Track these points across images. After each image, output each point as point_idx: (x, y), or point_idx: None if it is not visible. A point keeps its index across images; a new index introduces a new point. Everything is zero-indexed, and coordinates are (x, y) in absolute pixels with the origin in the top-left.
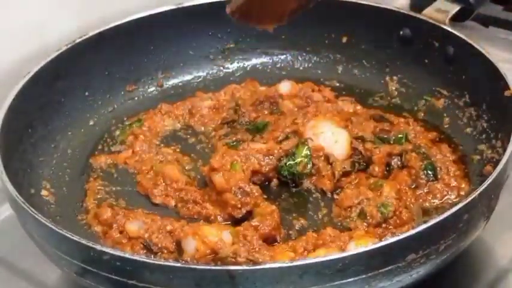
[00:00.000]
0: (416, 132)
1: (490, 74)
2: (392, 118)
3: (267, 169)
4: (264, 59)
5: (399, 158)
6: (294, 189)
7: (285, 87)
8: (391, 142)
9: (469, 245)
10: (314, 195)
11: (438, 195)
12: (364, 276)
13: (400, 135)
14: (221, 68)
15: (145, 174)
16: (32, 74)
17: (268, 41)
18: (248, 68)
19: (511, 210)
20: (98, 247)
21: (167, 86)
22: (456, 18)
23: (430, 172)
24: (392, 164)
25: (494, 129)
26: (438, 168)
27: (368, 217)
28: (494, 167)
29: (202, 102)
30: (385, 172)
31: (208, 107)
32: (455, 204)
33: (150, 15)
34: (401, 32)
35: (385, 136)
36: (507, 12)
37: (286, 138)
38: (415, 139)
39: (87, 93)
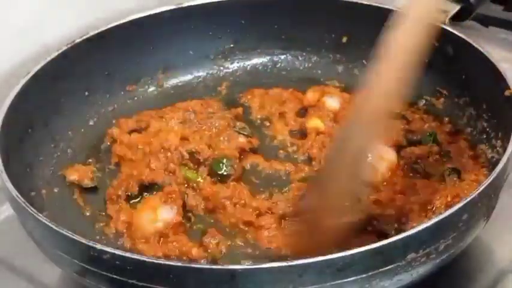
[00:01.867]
0: (433, 127)
1: (490, 73)
2: (408, 114)
3: None
4: (264, 59)
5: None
6: None
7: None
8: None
9: (469, 245)
10: None
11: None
12: (364, 275)
13: (427, 135)
14: (221, 68)
15: None
16: (32, 74)
17: (268, 41)
18: (248, 68)
19: (511, 210)
20: (98, 246)
21: (167, 86)
22: (456, 18)
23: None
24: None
25: (494, 129)
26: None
27: None
28: (494, 167)
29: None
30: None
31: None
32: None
33: (150, 15)
34: None
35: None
36: (507, 12)
37: None
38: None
39: (87, 93)
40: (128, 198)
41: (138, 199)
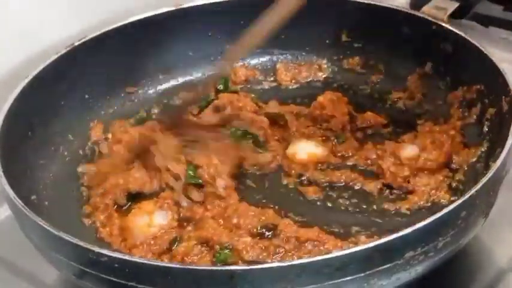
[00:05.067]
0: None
1: (489, 71)
2: None
3: None
4: (264, 59)
5: None
6: None
7: None
8: None
9: (468, 244)
10: None
11: None
12: (362, 274)
13: None
14: None
15: None
16: (31, 76)
17: (268, 40)
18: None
19: (510, 209)
20: (96, 249)
21: (167, 87)
22: (455, 16)
23: None
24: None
25: (493, 127)
26: None
27: None
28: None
29: None
30: None
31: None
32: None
33: (150, 17)
34: (400, 30)
35: None
36: (507, 12)
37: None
38: None
39: (87, 96)
40: (115, 205)
41: (127, 206)
